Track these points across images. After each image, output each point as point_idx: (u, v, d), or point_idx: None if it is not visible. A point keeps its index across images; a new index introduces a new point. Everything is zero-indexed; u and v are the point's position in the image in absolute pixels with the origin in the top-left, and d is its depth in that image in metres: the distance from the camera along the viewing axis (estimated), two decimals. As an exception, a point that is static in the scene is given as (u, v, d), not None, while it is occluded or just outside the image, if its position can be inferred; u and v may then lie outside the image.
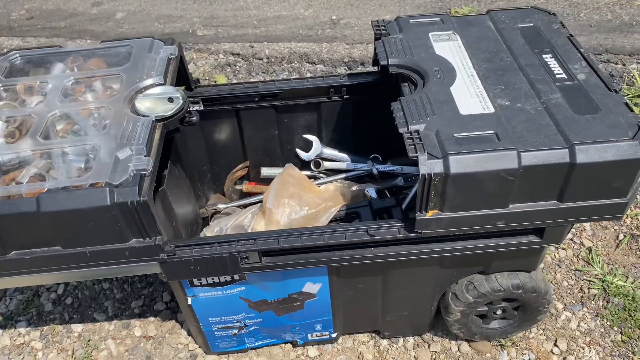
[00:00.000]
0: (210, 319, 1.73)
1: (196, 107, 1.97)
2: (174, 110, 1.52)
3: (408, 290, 1.70)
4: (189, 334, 1.97)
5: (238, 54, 3.17)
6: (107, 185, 1.29)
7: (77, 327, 2.02)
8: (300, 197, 1.83)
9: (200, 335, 1.82)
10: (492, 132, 1.35)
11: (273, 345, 1.94)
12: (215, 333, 1.80)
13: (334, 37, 3.32)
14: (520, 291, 1.67)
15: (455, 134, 1.34)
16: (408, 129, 1.38)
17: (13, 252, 1.37)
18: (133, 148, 1.37)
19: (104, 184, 1.29)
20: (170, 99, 1.54)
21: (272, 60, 3.12)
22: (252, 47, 3.21)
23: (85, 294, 2.13)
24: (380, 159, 2.14)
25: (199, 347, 1.94)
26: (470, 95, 1.47)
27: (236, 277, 1.57)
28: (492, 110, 1.42)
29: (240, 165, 2.20)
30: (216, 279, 1.57)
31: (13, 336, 2.01)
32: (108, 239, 1.36)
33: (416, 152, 1.31)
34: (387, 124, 2.09)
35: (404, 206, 1.81)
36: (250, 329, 1.80)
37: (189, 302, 1.63)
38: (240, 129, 2.08)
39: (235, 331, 1.79)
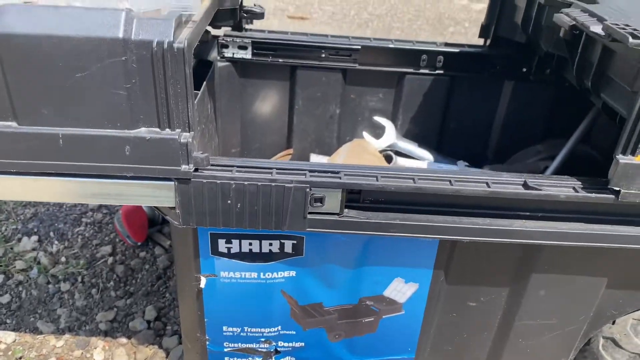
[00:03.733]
0: (225, 328, 1.07)
1: (242, 54, 1.49)
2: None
3: (548, 319, 1.07)
4: (177, 368, 1.28)
5: None
6: (123, 10, 0.75)
7: (7, 337, 1.32)
8: (379, 173, 1.27)
9: (199, 362, 1.14)
10: None
11: (304, 402, 1.24)
12: (225, 359, 1.12)
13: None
14: None
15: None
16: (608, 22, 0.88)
17: None
18: (174, -15, 0.86)
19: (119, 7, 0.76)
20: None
21: None
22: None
23: (31, 294, 1.45)
24: (469, 165, 1.61)
25: (190, 387, 1.23)
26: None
27: (288, 247, 0.96)
28: None
29: (282, 153, 1.66)
30: (256, 246, 0.96)
31: None
32: (99, 116, 0.79)
33: None
34: (490, 113, 1.58)
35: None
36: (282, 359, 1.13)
37: (201, 285, 0.99)
38: (292, 99, 1.58)
39: (258, 360, 1.12)
